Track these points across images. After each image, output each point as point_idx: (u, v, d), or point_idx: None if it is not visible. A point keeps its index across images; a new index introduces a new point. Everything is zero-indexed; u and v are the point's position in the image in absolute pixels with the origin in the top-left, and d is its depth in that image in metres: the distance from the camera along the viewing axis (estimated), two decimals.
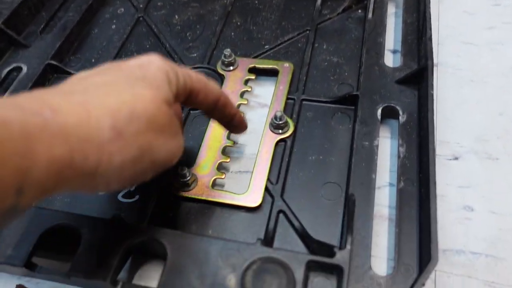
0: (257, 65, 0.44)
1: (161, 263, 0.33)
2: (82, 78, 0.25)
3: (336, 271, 0.28)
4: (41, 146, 0.19)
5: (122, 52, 0.47)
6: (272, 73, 0.43)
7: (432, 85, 0.36)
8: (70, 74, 0.45)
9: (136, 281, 0.32)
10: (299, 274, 0.27)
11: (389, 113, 0.39)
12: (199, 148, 0.38)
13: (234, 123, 0.34)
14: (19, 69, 0.44)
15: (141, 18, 0.50)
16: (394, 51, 0.46)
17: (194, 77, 0.29)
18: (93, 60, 0.47)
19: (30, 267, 0.29)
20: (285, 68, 0.43)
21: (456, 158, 0.38)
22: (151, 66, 0.26)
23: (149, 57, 0.27)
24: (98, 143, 0.22)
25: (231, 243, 0.29)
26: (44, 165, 0.20)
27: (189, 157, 0.37)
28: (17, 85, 0.44)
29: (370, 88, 0.40)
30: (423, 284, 0.27)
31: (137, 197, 0.35)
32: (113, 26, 0.50)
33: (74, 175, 0.21)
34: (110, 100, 0.23)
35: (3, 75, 0.44)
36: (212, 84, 0.31)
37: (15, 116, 0.19)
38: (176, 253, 0.28)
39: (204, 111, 0.32)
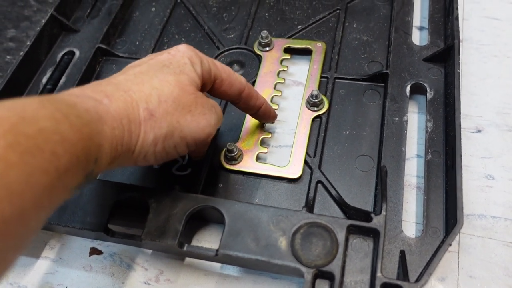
0: (291, 45, 0.47)
1: (214, 228, 0.38)
2: (125, 69, 0.30)
3: (372, 233, 0.32)
4: (107, 127, 0.25)
5: (164, 34, 0.50)
6: (306, 53, 0.46)
7: (459, 63, 0.39)
8: (117, 56, 0.48)
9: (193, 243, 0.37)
10: (341, 236, 0.31)
11: (417, 90, 0.42)
12: (243, 125, 0.41)
13: (260, 114, 0.37)
14: (71, 53, 0.48)
15: (178, 0, 0.53)
16: (421, 28, 0.48)
17: (218, 64, 0.33)
18: (137, 43, 0.50)
19: (107, 232, 0.34)
20: (318, 47, 0.46)
21: (479, 131, 0.41)
22: (177, 54, 0.31)
23: (177, 46, 0.32)
24: (139, 122, 0.27)
25: (279, 210, 0.33)
26: (109, 142, 0.25)
27: (234, 133, 0.41)
28: (73, 68, 0.47)
29: (399, 66, 0.43)
30: (450, 245, 0.31)
31: (189, 170, 0.40)
32: (153, 9, 0.53)
33: (123, 150, 0.27)
34: (145, 86, 0.28)
35: (58, 59, 0.48)
36: (237, 75, 0.34)
37: (92, 105, 0.25)
38: (232, 219, 0.33)
39: (230, 101, 0.36)
